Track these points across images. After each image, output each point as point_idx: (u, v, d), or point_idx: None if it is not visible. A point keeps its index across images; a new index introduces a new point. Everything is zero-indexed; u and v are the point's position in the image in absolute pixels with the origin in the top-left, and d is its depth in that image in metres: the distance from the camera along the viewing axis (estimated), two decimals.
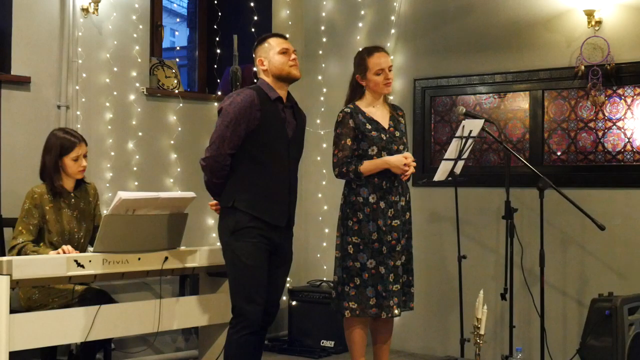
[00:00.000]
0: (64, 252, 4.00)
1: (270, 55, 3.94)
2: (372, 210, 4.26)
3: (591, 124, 5.18)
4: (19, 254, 4.08)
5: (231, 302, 3.87)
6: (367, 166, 4.25)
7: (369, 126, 4.31)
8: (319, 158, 6.21)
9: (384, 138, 4.31)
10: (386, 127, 4.36)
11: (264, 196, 3.85)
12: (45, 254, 4.03)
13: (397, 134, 4.38)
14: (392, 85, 4.44)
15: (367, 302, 4.24)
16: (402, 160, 4.24)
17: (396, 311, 4.27)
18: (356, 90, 4.42)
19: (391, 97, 5.83)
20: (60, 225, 4.24)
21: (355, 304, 4.25)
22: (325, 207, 6.20)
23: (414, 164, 4.31)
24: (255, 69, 4.11)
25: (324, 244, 6.17)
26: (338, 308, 4.33)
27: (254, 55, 4.05)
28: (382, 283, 4.23)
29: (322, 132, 6.18)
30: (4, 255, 4.47)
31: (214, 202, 4.03)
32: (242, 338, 3.80)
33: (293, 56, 3.97)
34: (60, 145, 4.24)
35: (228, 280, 3.92)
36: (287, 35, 4.14)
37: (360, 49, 4.52)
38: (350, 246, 4.28)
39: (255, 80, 4.33)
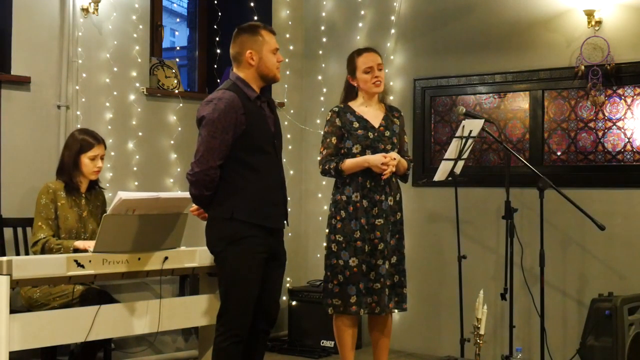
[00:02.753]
0: (86, 247, 4.06)
1: (264, 53, 3.73)
2: (355, 208, 4.29)
3: (591, 124, 5.18)
4: (42, 248, 4.14)
5: (220, 309, 3.74)
6: (348, 164, 4.29)
7: (356, 124, 4.34)
8: (319, 158, 6.20)
9: (371, 136, 4.33)
10: (376, 126, 4.37)
11: (263, 202, 3.72)
12: (69, 245, 4.12)
13: (387, 133, 4.38)
14: (382, 85, 4.41)
15: (348, 300, 4.27)
16: (381, 159, 4.24)
17: (376, 310, 4.28)
18: (349, 92, 4.46)
19: (391, 97, 5.86)
20: (69, 223, 4.27)
21: (339, 300, 4.30)
22: (325, 207, 6.18)
23: (394, 162, 4.25)
24: (234, 58, 3.76)
25: (324, 244, 6.15)
26: (325, 305, 4.38)
27: (236, 43, 3.75)
28: (364, 281, 4.26)
29: (322, 132, 6.16)
30: (4, 255, 4.48)
31: (196, 207, 3.87)
32: (231, 346, 3.69)
33: (280, 57, 3.81)
34: (80, 143, 4.32)
35: (219, 289, 3.79)
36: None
37: (352, 51, 4.52)
38: (334, 244, 4.33)
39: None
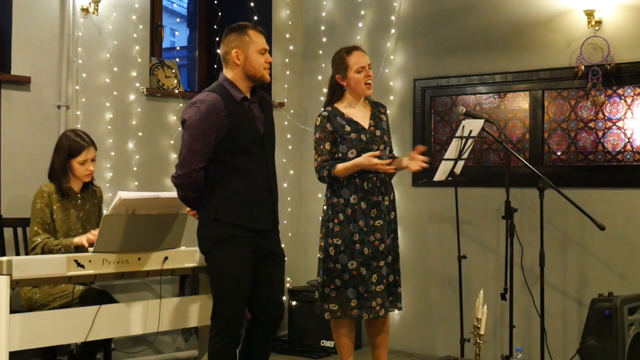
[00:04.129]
0: (89, 239, 4.08)
1: (250, 52, 3.71)
2: (353, 211, 4.24)
3: (591, 124, 5.18)
4: (42, 251, 4.12)
5: (212, 310, 3.78)
6: (339, 170, 4.22)
7: (347, 128, 4.28)
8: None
9: (364, 139, 4.28)
10: (366, 127, 4.32)
11: (247, 203, 3.72)
12: (68, 243, 4.12)
13: (378, 132, 4.34)
14: (372, 87, 4.38)
15: (347, 304, 4.22)
16: (370, 160, 4.15)
17: (381, 312, 4.24)
18: (335, 92, 4.37)
19: (391, 97, 5.87)
20: (66, 225, 4.26)
21: (336, 305, 4.25)
22: (325, 207, 6.19)
23: (378, 153, 4.19)
24: (223, 58, 3.79)
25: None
26: (320, 310, 4.32)
27: (224, 43, 3.76)
28: (364, 284, 4.21)
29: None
30: (4, 255, 4.47)
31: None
32: (226, 346, 3.72)
33: (269, 58, 3.78)
34: (69, 147, 4.29)
35: (211, 289, 3.83)
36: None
37: (338, 50, 4.46)
38: (332, 248, 4.27)
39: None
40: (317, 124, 4.32)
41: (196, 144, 3.62)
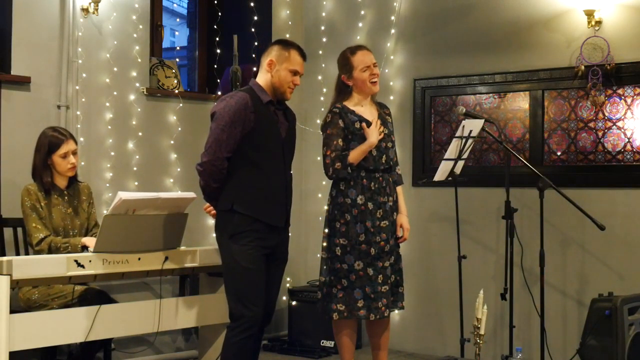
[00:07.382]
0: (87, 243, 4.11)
1: (282, 67, 3.94)
2: (360, 211, 4.24)
3: (591, 124, 5.18)
4: (49, 247, 4.12)
5: (229, 305, 3.85)
6: (353, 155, 4.22)
7: (358, 124, 4.28)
8: (318, 158, 6.16)
9: None
10: None
11: (263, 198, 3.86)
12: (76, 242, 4.14)
13: (386, 131, 4.35)
14: (378, 84, 4.38)
15: (354, 304, 4.22)
16: (376, 135, 4.22)
17: (385, 313, 4.24)
18: (342, 92, 4.38)
19: (391, 97, 5.88)
20: (54, 222, 4.26)
21: (343, 305, 4.24)
22: (326, 207, 6.16)
23: (377, 123, 4.27)
24: (260, 63, 4.04)
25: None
26: (325, 310, 4.31)
27: (267, 51, 4.00)
28: (370, 285, 4.21)
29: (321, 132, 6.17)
30: (4, 255, 4.47)
31: (208, 204, 4.03)
32: (242, 341, 3.79)
33: (297, 81, 4.00)
34: (48, 143, 4.29)
35: (224, 283, 3.91)
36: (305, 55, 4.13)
37: (343, 50, 4.47)
38: (338, 248, 4.26)
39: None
40: (328, 120, 4.32)
41: (222, 135, 3.80)
